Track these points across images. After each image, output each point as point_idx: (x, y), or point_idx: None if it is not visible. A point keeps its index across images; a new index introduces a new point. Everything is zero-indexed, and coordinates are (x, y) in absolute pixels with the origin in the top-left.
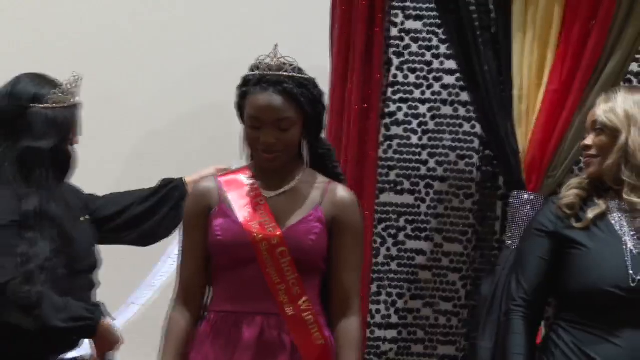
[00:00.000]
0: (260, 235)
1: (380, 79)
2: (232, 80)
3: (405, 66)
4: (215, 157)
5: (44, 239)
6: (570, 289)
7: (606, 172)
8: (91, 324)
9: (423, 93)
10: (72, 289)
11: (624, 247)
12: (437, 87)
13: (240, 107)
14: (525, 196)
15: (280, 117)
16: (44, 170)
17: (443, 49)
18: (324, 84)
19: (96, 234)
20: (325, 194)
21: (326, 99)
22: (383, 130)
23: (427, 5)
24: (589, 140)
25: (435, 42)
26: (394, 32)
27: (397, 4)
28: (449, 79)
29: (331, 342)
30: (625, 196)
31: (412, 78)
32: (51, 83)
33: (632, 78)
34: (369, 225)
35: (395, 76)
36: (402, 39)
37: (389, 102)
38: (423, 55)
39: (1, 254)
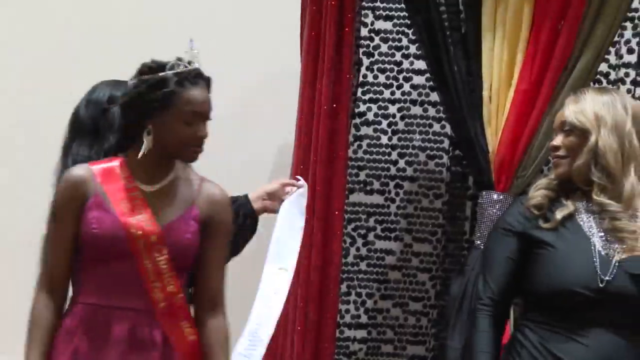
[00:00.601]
0: (139, 232)
1: (350, 79)
2: None
3: (375, 66)
4: None
5: None
6: (538, 289)
7: (575, 173)
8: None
9: (393, 93)
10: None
11: (592, 247)
12: (406, 87)
13: (165, 104)
14: (495, 196)
15: (211, 110)
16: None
17: (413, 49)
18: (294, 84)
19: None
20: (199, 191)
21: (296, 99)
22: (353, 130)
23: (397, 5)
24: (558, 141)
25: (405, 42)
26: (364, 32)
27: (367, 4)
28: (418, 79)
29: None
30: (594, 197)
31: (382, 78)
32: (126, 83)
33: (602, 78)
34: (339, 225)
35: (365, 76)
36: (372, 39)
37: (358, 102)
38: (393, 55)
39: None
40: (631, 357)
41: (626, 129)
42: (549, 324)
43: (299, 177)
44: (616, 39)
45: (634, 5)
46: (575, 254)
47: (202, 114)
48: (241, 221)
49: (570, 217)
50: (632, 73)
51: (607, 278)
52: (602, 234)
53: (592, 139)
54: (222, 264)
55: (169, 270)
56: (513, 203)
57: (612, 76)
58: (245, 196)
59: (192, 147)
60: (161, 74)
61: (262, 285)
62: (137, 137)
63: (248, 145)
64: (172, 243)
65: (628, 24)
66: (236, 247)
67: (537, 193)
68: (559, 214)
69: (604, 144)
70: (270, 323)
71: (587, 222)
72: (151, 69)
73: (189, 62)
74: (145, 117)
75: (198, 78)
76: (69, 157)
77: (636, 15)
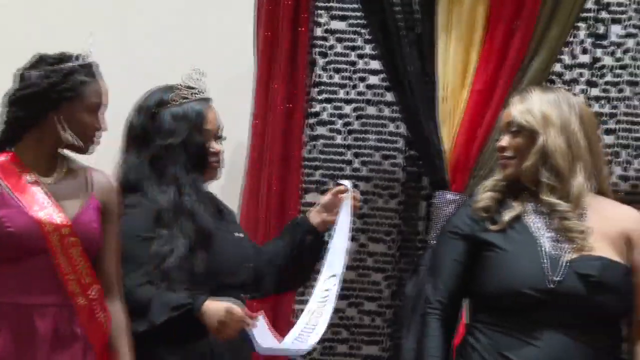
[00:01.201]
0: (52, 226)
1: (305, 79)
2: (158, 80)
3: (330, 66)
4: None
5: (180, 236)
6: (487, 291)
7: (524, 174)
8: (192, 308)
9: (348, 93)
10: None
11: (540, 248)
12: (361, 87)
13: (75, 94)
14: (449, 196)
15: None
16: (176, 166)
17: (368, 49)
18: (249, 84)
19: (255, 255)
20: (92, 180)
21: (251, 99)
22: (308, 130)
23: (352, 5)
24: (505, 141)
25: (359, 42)
26: (319, 32)
27: (321, 4)
28: (373, 79)
29: None
30: (544, 197)
31: (336, 78)
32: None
33: (556, 78)
34: None
35: (319, 76)
36: (326, 39)
37: (313, 102)
38: (348, 55)
39: (130, 264)
40: (581, 357)
41: (573, 128)
42: (499, 326)
43: (340, 181)
44: (570, 39)
45: (588, 5)
46: (523, 255)
47: (103, 105)
48: (300, 238)
49: (518, 218)
50: (586, 73)
51: (556, 279)
52: (552, 234)
53: (541, 139)
54: (117, 248)
55: (84, 262)
56: (462, 205)
57: (566, 76)
58: (303, 216)
59: (92, 139)
60: (70, 64)
61: (314, 296)
62: (30, 129)
63: None
64: (82, 234)
65: (582, 25)
66: (303, 268)
67: (484, 195)
68: (507, 216)
69: (552, 144)
70: (320, 329)
71: (535, 223)
72: (57, 60)
73: (86, 55)
74: (50, 108)
75: (95, 71)
76: (121, 165)
77: (590, 15)
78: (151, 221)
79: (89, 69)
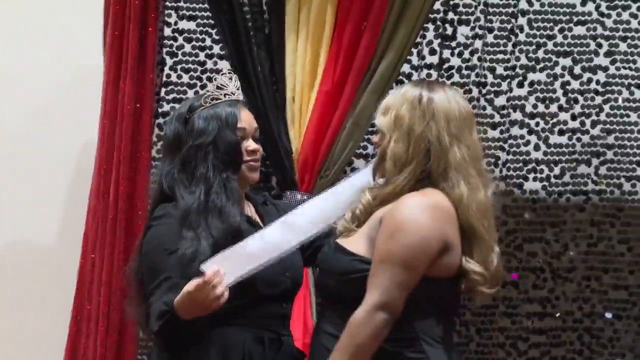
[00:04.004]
0: None
1: (153, 78)
2: (7, 78)
3: (179, 66)
4: None
5: (205, 236)
6: None
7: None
8: (173, 312)
9: (196, 93)
10: (251, 313)
11: None
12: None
13: None
14: (299, 196)
15: None
16: (207, 165)
17: (216, 49)
18: (98, 83)
19: (299, 262)
20: None
21: (100, 98)
22: (156, 130)
23: (201, 5)
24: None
25: (208, 42)
26: (168, 32)
27: (170, 4)
28: (214, 79)
29: None
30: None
31: (185, 78)
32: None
33: (404, 79)
34: (142, 225)
35: (168, 76)
36: (175, 39)
37: (162, 102)
38: (197, 55)
39: (157, 278)
40: None
41: (421, 134)
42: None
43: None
44: (418, 40)
45: (436, 6)
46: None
47: None
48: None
49: None
50: (434, 74)
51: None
52: None
53: (385, 142)
54: None
55: None
56: None
57: (415, 77)
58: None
59: None
60: None
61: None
62: None
63: (51, 144)
64: None
65: (430, 26)
66: None
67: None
68: None
69: (391, 148)
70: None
71: None
72: None
73: None
74: None
75: None
76: (156, 175)
77: (438, 16)
78: (177, 230)
79: None
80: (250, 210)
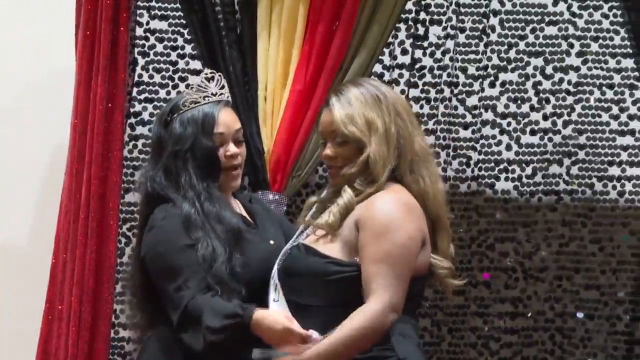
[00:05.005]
0: None
1: (125, 78)
2: None
3: (151, 66)
4: None
5: (214, 237)
6: None
7: (343, 178)
8: (242, 321)
9: (168, 93)
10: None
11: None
12: (182, 87)
13: None
14: (270, 196)
15: None
16: (188, 173)
17: (188, 49)
18: (69, 83)
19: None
20: None
21: (72, 98)
22: (128, 130)
23: (173, 5)
24: (331, 150)
25: (180, 42)
26: (139, 31)
27: (142, 4)
28: (194, 80)
29: None
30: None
31: (157, 78)
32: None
33: (376, 79)
34: (114, 225)
35: (140, 76)
36: (147, 39)
37: (134, 101)
38: (168, 55)
39: (178, 275)
40: None
41: (395, 130)
42: None
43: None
44: (390, 40)
45: (408, 6)
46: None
47: None
48: None
49: None
50: (406, 74)
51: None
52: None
53: (366, 150)
54: None
55: None
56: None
57: (387, 77)
58: None
59: None
60: None
61: None
62: None
63: (23, 144)
64: None
65: (402, 26)
66: None
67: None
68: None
69: (375, 154)
70: None
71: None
72: None
73: None
74: None
75: None
76: (142, 176)
77: (410, 16)
78: (183, 228)
79: None
80: (239, 208)
